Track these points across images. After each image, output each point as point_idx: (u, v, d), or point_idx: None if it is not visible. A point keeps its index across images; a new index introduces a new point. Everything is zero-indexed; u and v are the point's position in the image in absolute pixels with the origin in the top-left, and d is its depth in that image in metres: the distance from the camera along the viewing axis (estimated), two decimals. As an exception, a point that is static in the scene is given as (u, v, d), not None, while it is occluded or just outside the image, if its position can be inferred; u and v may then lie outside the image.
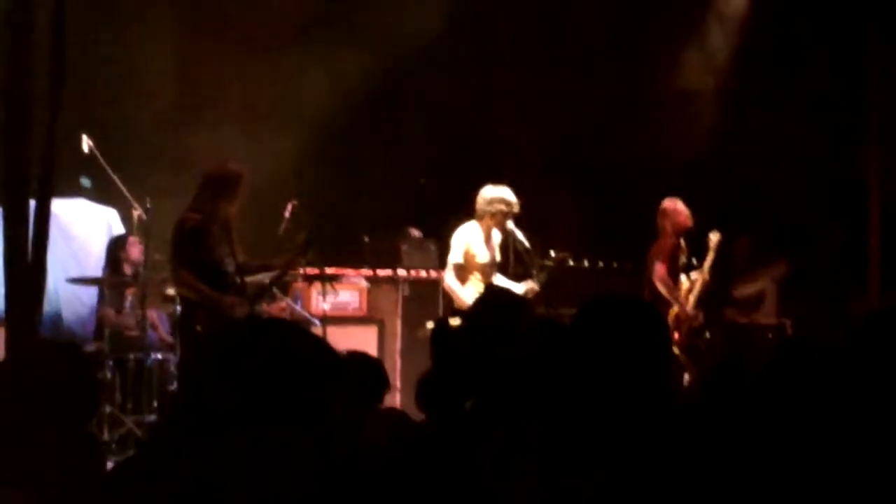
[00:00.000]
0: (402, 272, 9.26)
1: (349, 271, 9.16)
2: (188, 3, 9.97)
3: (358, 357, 4.57)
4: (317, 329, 7.76)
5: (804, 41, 10.48)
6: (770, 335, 9.56)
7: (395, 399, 7.82)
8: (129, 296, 8.47)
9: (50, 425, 2.78)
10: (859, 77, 10.47)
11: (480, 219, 7.77)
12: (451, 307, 7.75)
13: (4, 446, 2.69)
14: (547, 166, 10.12)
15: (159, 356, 7.88)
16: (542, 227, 8.16)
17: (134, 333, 8.20)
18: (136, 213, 8.27)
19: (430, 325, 7.38)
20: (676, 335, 8.47)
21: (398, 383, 8.26)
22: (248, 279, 6.91)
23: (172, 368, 7.75)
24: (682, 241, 8.76)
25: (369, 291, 9.23)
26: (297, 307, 8.35)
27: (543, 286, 7.74)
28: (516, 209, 7.72)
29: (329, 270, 8.16)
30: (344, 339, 7.45)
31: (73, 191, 8.77)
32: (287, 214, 7.41)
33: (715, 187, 9.97)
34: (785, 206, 10.19)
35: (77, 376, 2.94)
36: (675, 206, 8.71)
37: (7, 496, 2.54)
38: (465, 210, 7.85)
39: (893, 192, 10.24)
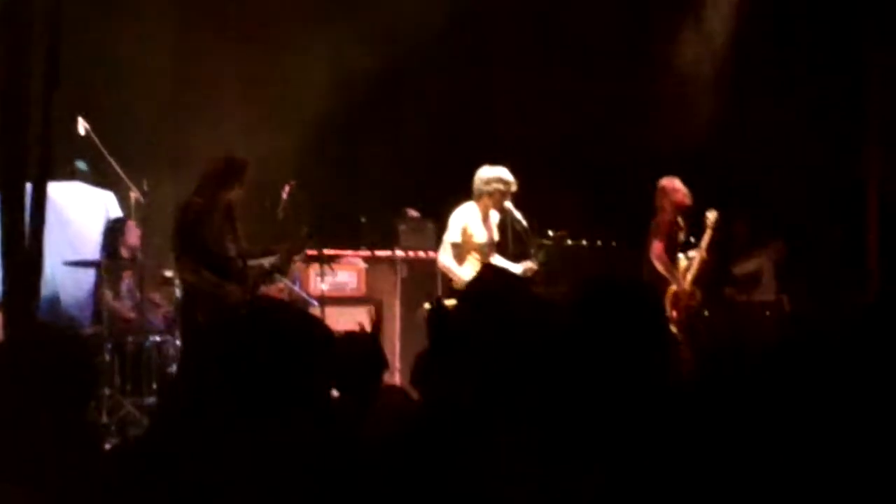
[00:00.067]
0: (399, 253, 9.27)
1: (347, 252, 9.16)
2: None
3: (355, 338, 4.57)
4: (314, 310, 7.77)
5: (801, 31, 10.44)
6: (768, 312, 9.57)
7: (394, 380, 7.83)
8: (126, 279, 8.46)
9: (48, 409, 2.78)
10: (854, 60, 10.44)
11: (478, 199, 7.78)
12: (450, 287, 7.77)
13: (2, 431, 2.70)
14: (547, 166, 10.10)
15: (158, 339, 7.89)
16: (541, 211, 8.17)
17: (132, 316, 8.21)
18: (134, 195, 8.26)
19: (427, 306, 7.40)
20: (674, 313, 8.48)
21: (397, 364, 8.27)
22: (250, 263, 6.94)
23: (171, 351, 7.76)
24: (681, 220, 8.78)
25: (367, 272, 9.23)
26: (296, 288, 8.35)
27: (542, 265, 7.75)
28: (514, 188, 7.73)
29: (327, 251, 8.16)
30: (342, 320, 7.46)
31: (70, 174, 8.76)
32: (285, 196, 7.42)
33: (713, 170, 9.96)
34: (782, 190, 10.18)
35: (75, 360, 2.93)
36: (674, 185, 8.73)
37: (4, 482, 2.54)
38: (463, 191, 7.86)
39: (888, 168, 10.23)
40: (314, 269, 8.41)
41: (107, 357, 7.63)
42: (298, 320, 2.43)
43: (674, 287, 8.55)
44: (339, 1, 9.99)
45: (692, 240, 8.89)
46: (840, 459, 2.56)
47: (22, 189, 5.76)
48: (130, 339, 7.85)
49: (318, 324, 2.53)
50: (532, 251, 7.79)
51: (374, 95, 10.27)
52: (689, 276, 8.67)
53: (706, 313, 8.75)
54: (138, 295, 8.20)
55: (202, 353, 2.47)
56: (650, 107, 10.45)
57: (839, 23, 10.36)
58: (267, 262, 7.05)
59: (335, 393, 4.04)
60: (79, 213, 8.85)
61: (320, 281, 8.02)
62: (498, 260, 7.82)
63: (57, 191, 8.01)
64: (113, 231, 8.46)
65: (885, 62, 10.21)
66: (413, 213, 9.59)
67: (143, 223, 8.24)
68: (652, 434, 2.50)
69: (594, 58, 10.56)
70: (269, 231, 7.48)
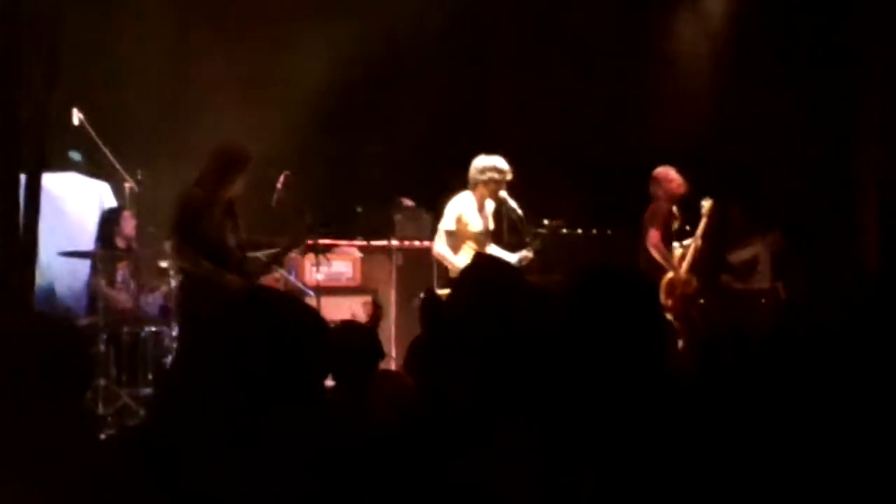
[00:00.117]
0: (395, 242, 9.27)
1: (343, 242, 9.15)
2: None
3: (351, 327, 4.58)
4: (311, 300, 7.77)
5: (801, 22, 10.43)
6: (763, 300, 9.58)
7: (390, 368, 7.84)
8: (121, 269, 8.46)
9: (44, 400, 2.77)
10: (853, 51, 10.42)
11: (473, 188, 7.78)
12: (447, 276, 7.78)
13: (-2, 421, 2.70)
14: (546, 165, 10.09)
15: (153, 329, 7.88)
16: (537, 200, 8.17)
17: (127, 306, 8.20)
18: (128, 185, 8.25)
19: (423, 295, 7.39)
20: (670, 302, 8.49)
21: (393, 353, 8.28)
22: (249, 255, 6.94)
23: (167, 341, 7.75)
24: (675, 209, 8.79)
25: (363, 261, 9.24)
26: (292, 278, 8.35)
27: (537, 253, 7.76)
28: (509, 177, 7.73)
29: (323, 241, 8.16)
30: (338, 310, 7.47)
31: (64, 165, 8.75)
32: (279, 185, 7.41)
33: (711, 160, 9.95)
34: (779, 179, 10.18)
35: (71, 350, 2.93)
36: (668, 174, 8.75)
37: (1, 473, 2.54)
38: (460, 184, 7.86)
39: (886, 161, 10.22)
40: (310, 259, 8.40)
41: (102, 348, 7.63)
42: (292, 309, 2.43)
43: (669, 275, 8.56)
44: (340, 1, 9.97)
45: (688, 228, 8.90)
46: (835, 447, 2.56)
47: (16, 180, 5.75)
48: (126, 329, 7.84)
49: (312, 313, 2.53)
50: (528, 240, 7.79)
51: (374, 94, 10.26)
52: (685, 265, 8.69)
53: (701, 301, 8.76)
54: (133, 285, 8.19)
55: (198, 342, 2.47)
56: (650, 107, 10.44)
57: (838, 14, 10.35)
58: (264, 254, 7.04)
59: (330, 382, 4.04)
60: (74, 204, 8.84)
61: (316, 271, 8.02)
62: (493, 249, 7.83)
63: (52, 181, 8.00)
64: (108, 221, 8.45)
65: (884, 53, 10.20)
66: (408, 202, 9.59)
67: (139, 213, 8.23)
68: (647, 423, 2.50)
69: (594, 58, 10.56)
70: (265, 222, 7.47)
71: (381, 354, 4.41)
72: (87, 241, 8.43)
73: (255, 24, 9.87)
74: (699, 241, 8.77)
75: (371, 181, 10.08)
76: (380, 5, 9.74)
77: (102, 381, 7.45)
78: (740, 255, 9.86)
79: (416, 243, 9.23)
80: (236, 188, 6.76)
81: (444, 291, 5.60)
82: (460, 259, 7.50)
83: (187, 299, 6.81)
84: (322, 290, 7.89)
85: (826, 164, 10.29)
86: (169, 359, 7.58)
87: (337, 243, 9.03)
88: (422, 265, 8.87)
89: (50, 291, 8.39)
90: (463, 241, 7.70)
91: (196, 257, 6.60)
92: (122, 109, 9.11)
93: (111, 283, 8.37)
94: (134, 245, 8.27)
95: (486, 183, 7.71)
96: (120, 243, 8.33)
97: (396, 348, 8.48)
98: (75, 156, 8.78)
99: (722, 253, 9.69)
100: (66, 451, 2.60)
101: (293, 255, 8.52)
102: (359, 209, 9.51)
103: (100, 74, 9.15)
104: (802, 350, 2.77)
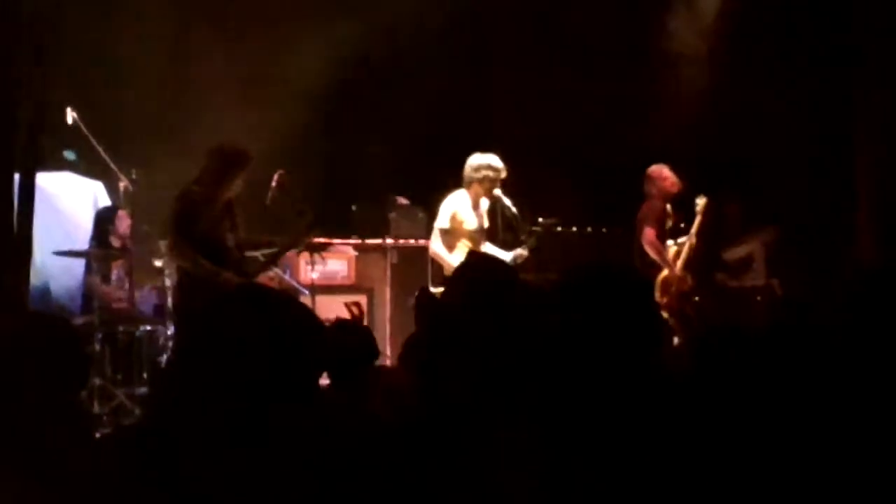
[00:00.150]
0: (390, 240, 9.26)
1: (337, 240, 9.15)
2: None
3: (347, 326, 4.57)
4: (305, 298, 7.77)
5: (798, 18, 10.43)
6: (758, 297, 9.59)
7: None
8: (116, 268, 8.45)
9: (40, 397, 2.78)
10: (850, 48, 10.42)
11: (468, 186, 7.79)
12: (442, 274, 7.78)
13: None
14: (546, 165, 10.09)
15: (149, 328, 7.88)
16: (532, 199, 8.17)
17: (122, 305, 8.20)
18: (122, 184, 8.24)
19: (417, 293, 7.38)
20: (665, 299, 8.50)
21: (388, 351, 8.28)
22: (248, 254, 6.94)
23: (162, 340, 7.75)
24: (669, 207, 8.80)
25: (358, 260, 9.23)
26: (286, 276, 8.35)
27: (532, 251, 7.76)
28: (503, 175, 7.73)
29: (317, 239, 8.16)
30: (333, 308, 7.45)
31: (59, 164, 8.74)
32: (274, 184, 7.41)
33: (707, 157, 9.96)
34: (775, 176, 10.18)
35: (66, 349, 2.93)
36: (661, 172, 8.76)
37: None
38: (455, 180, 7.86)
39: (887, 161, 10.22)
40: (305, 257, 8.40)
41: (97, 347, 7.63)
42: (288, 307, 2.43)
43: (664, 273, 8.57)
44: (339, 1, 9.96)
45: (682, 226, 8.91)
46: (831, 444, 2.57)
47: (10, 178, 5.75)
48: (121, 328, 7.83)
49: (308, 311, 2.53)
50: (523, 238, 7.79)
51: (373, 93, 10.25)
52: (680, 262, 8.70)
53: (696, 299, 8.77)
54: (128, 284, 8.19)
55: (194, 341, 2.47)
56: (650, 106, 10.44)
57: (838, 14, 10.35)
58: (262, 254, 7.04)
59: (325, 381, 4.04)
60: (69, 203, 8.83)
61: (311, 269, 8.01)
62: (488, 247, 7.83)
63: (46, 180, 8.00)
64: (103, 220, 8.45)
65: (884, 53, 10.20)
66: (403, 200, 9.59)
67: (133, 212, 8.22)
68: (643, 420, 2.50)
69: (594, 57, 10.56)
70: (261, 221, 7.46)
71: (375, 353, 4.41)
72: (82, 240, 8.42)
73: (253, 23, 9.85)
74: (694, 239, 8.78)
75: (366, 180, 10.07)
76: (380, 5, 9.72)
77: (98, 380, 7.45)
78: (735, 253, 9.86)
79: (411, 242, 9.23)
80: (236, 188, 6.76)
81: (438, 290, 5.60)
82: (455, 257, 7.51)
83: (185, 298, 6.81)
84: (317, 289, 7.89)
85: (826, 164, 10.29)
86: (164, 358, 7.58)
87: (332, 242, 9.02)
88: (417, 263, 8.87)
89: (45, 290, 8.39)
90: (458, 240, 7.71)
91: (194, 256, 6.59)
92: (122, 109, 9.10)
93: (106, 281, 8.37)
94: (129, 244, 8.27)
95: (481, 181, 7.72)
96: (115, 242, 8.33)
97: (391, 347, 8.48)
98: (70, 155, 8.77)
99: (717, 250, 9.70)
100: (62, 450, 2.60)
101: (288, 253, 8.53)
102: (354, 207, 9.50)
103: (99, 74, 9.14)
104: (797, 347, 2.77)
